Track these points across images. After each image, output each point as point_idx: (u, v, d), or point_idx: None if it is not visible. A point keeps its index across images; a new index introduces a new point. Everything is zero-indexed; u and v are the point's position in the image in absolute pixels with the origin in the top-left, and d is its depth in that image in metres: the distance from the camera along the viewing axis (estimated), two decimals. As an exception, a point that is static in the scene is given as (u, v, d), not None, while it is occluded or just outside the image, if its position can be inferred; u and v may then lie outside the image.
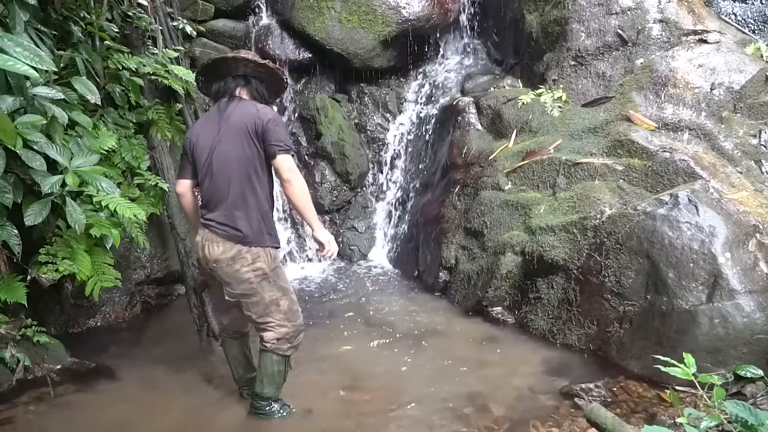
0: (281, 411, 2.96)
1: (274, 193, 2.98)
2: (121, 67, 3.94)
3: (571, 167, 4.26)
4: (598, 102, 4.65)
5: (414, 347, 3.89)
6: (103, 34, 3.83)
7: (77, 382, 3.42)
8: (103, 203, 3.24)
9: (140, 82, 4.11)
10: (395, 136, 6.44)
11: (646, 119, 4.26)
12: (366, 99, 6.60)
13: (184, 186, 2.96)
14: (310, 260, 6.03)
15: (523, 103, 4.91)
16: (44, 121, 2.86)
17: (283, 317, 2.81)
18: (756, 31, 4.96)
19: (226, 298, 2.85)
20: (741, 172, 3.92)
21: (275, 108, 6.41)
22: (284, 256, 5.88)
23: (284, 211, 6.05)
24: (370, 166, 6.46)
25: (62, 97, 3.04)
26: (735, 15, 5.06)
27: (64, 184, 2.96)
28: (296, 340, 2.89)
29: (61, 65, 3.39)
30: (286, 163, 2.68)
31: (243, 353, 3.14)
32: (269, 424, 2.96)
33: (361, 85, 6.61)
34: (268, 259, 2.76)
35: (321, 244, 2.80)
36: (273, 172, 2.82)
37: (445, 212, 5.04)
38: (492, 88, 5.52)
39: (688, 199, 3.36)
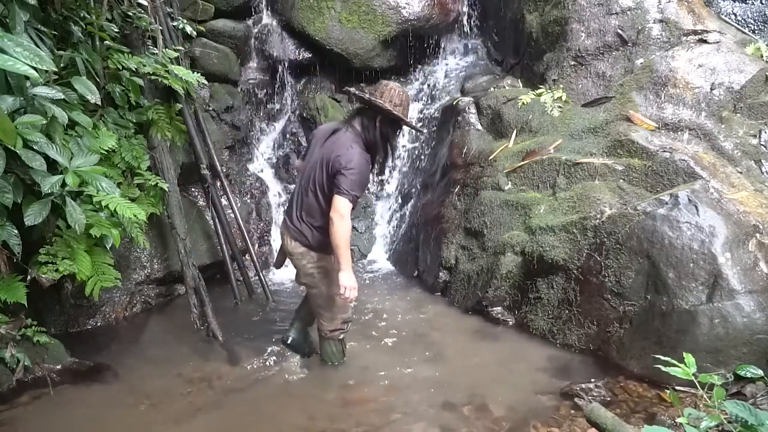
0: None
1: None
2: (121, 67, 3.94)
3: (571, 167, 4.26)
4: (598, 102, 4.65)
5: (413, 347, 3.89)
6: (103, 34, 3.83)
7: (77, 382, 3.42)
8: (103, 203, 3.24)
9: (140, 82, 4.11)
10: (395, 136, 6.43)
11: (646, 119, 4.26)
12: (366, 99, 6.59)
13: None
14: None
15: (523, 103, 4.91)
16: (44, 121, 2.86)
17: (336, 311, 3.31)
18: (756, 31, 4.96)
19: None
20: (741, 172, 3.92)
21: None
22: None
23: (281, 214, 6.04)
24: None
25: (62, 97, 3.04)
26: (735, 15, 5.06)
27: (64, 184, 2.96)
28: (346, 327, 3.44)
29: (61, 65, 3.39)
30: (338, 204, 2.94)
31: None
32: (269, 423, 2.97)
33: (361, 85, 6.59)
34: (332, 260, 3.12)
35: (341, 286, 3.01)
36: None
37: (445, 212, 5.04)
38: (492, 88, 5.51)
39: (688, 199, 3.36)
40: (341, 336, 3.45)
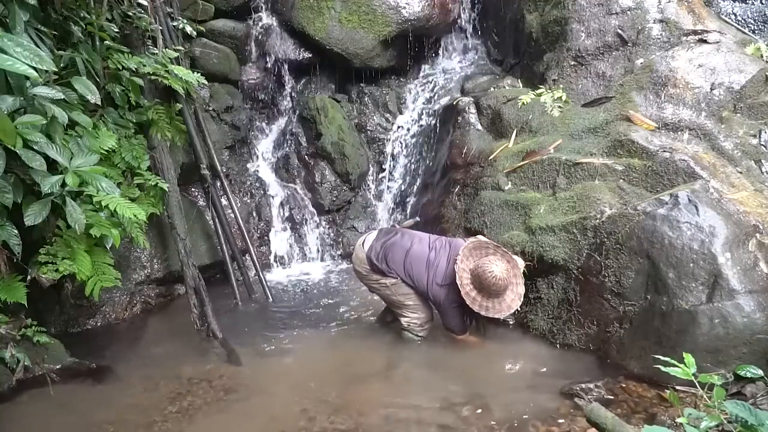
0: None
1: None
2: (121, 67, 3.94)
3: (571, 167, 4.26)
4: (598, 102, 4.65)
5: (413, 347, 3.88)
6: (103, 34, 3.83)
7: (77, 381, 3.43)
8: (103, 203, 3.24)
9: (140, 82, 4.11)
10: (395, 136, 6.44)
11: (646, 119, 4.26)
12: (366, 99, 6.59)
13: None
14: (312, 260, 6.03)
15: (523, 103, 4.90)
16: (44, 121, 2.86)
17: (410, 310, 3.83)
18: (756, 31, 4.95)
19: None
20: (741, 172, 3.92)
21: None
22: (285, 256, 5.89)
23: (281, 213, 6.04)
24: (370, 166, 6.46)
25: (62, 97, 3.04)
26: (735, 15, 5.05)
27: (64, 184, 2.96)
28: (426, 325, 3.89)
29: (61, 65, 3.39)
30: (460, 336, 3.84)
31: None
32: (268, 423, 2.97)
33: (361, 85, 6.60)
34: (388, 281, 3.81)
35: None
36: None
37: (445, 212, 5.04)
38: (492, 88, 5.51)
39: (688, 199, 3.36)
40: (423, 332, 3.88)
